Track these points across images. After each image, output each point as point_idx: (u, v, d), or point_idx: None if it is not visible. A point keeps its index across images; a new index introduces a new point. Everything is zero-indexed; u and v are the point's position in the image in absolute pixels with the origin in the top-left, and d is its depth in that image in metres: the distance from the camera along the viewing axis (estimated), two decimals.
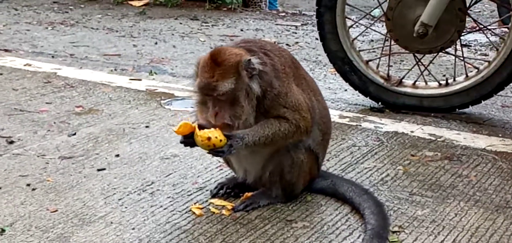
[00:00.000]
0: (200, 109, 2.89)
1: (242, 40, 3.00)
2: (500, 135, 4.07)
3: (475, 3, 4.42)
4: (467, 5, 4.22)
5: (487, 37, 5.17)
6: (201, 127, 2.80)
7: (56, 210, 2.93)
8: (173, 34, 6.79)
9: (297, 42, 6.61)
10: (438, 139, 3.94)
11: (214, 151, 2.76)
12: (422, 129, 4.10)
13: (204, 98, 2.84)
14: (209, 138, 2.73)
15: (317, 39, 6.10)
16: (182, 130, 2.81)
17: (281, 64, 2.94)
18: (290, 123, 2.86)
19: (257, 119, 2.86)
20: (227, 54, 2.81)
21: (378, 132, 4.04)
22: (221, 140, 2.74)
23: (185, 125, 2.81)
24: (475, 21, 4.54)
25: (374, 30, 5.10)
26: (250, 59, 2.78)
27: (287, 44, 6.50)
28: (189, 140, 2.82)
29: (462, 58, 4.40)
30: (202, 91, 2.81)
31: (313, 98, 3.01)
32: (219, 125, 2.79)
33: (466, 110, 4.42)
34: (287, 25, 7.45)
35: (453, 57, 4.58)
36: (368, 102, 4.54)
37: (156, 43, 6.36)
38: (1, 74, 5.02)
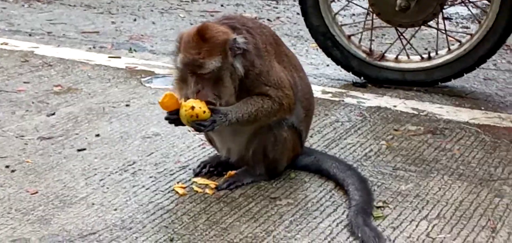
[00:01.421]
0: (179, 87, 2.84)
1: (224, 16, 2.95)
2: (482, 108, 4.07)
3: None
4: None
5: (469, 10, 5.15)
6: (186, 99, 2.73)
7: (36, 192, 2.88)
8: (152, 10, 6.69)
9: (278, 17, 6.55)
10: (421, 113, 3.93)
11: (196, 123, 2.69)
12: (405, 104, 4.09)
13: (186, 75, 2.78)
14: (193, 107, 2.67)
15: (298, 14, 6.03)
16: (167, 101, 2.74)
17: (263, 42, 2.89)
18: (273, 100, 2.82)
19: (239, 98, 2.82)
20: (214, 31, 2.75)
21: (361, 107, 4.02)
22: (204, 112, 2.68)
23: (170, 96, 2.74)
24: None
25: (356, 4, 5.05)
26: (236, 38, 2.73)
27: (268, 20, 6.43)
28: (173, 116, 2.76)
29: (444, 32, 4.38)
30: (187, 68, 2.75)
31: (295, 75, 2.98)
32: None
33: (448, 83, 4.41)
34: (268, 0, 7.37)
35: (435, 31, 4.56)
36: (350, 77, 4.51)
37: (135, 20, 6.26)
38: None
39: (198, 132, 2.82)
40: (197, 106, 2.68)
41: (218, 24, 2.83)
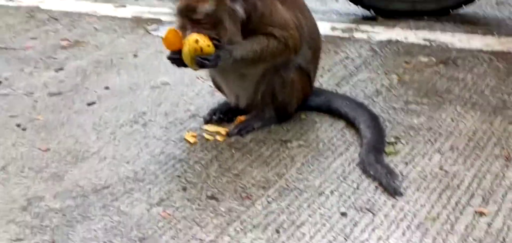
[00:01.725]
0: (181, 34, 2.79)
1: None
2: (495, 33, 4.00)
3: None
4: None
5: None
6: None
7: (48, 149, 2.89)
8: None
9: None
10: (432, 43, 3.87)
11: (200, 58, 2.64)
12: (416, 34, 4.03)
13: (184, 22, 2.74)
14: (197, 41, 2.63)
15: None
16: (171, 37, 2.69)
17: None
18: (278, 40, 2.78)
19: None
20: None
21: (371, 41, 3.96)
22: (209, 46, 2.64)
23: (174, 33, 2.69)
24: None
25: None
26: None
27: None
28: (176, 56, 2.73)
29: None
30: (181, 13, 2.72)
31: (300, 15, 2.92)
32: None
33: (460, 10, 4.33)
34: None
35: None
36: (360, 11, 4.44)
37: None
38: None
39: (201, 68, 2.73)
40: (201, 39, 2.64)
41: None
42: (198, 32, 2.66)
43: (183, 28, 2.75)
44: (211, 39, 2.66)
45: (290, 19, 2.84)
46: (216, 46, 2.66)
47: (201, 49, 2.63)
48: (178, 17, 2.75)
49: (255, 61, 2.78)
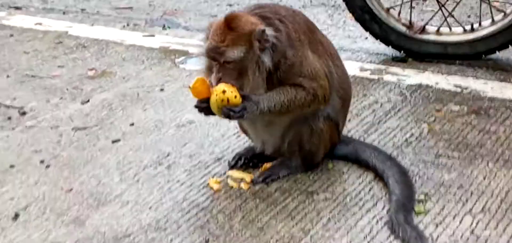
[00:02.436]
0: (206, 75, 2.76)
1: (256, 5, 2.84)
2: None
3: None
4: None
5: None
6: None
7: (71, 190, 2.86)
8: None
9: None
10: (464, 90, 3.78)
11: (227, 108, 2.61)
12: (447, 80, 3.94)
13: (211, 64, 2.70)
14: (224, 91, 2.59)
15: None
16: (198, 86, 2.66)
17: (296, 31, 2.78)
18: (307, 91, 2.73)
19: (270, 90, 2.73)
20: (242, 21, 2.66)
21: (401, 85, 3.88)
22: (236, 97, 2.60)
23: (202, 81, 2.66)
24: None
25: None
26: (264, 30, 2.63)
27: None
28: (203, 104, 2.69)
29: (487, 2, 4.18)
30: (209, 55, 2.68)
31: (331, 64, 2.86)
32: None
33: (493, 56, 4.23)
34: None
35: (478, 0, 4.36)
36: (390, 51, 4.36)
37: None
38: (12, 35, 4.91)
39: (228, 119, 2.71)
40: (228, 90, 2.60)
41: (249, 14, 2.74)
42: (225, 81, 2.62)
43: (209, 70, 2.71)
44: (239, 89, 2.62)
45: (320, 69, 2.78)
46: (243, 96, 2.62)
47: (228, 100, 2.59)
48: (206, 57, 2.72)
49: (283, 112, 2.73)
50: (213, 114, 2.69)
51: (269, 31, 2.64)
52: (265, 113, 2.71)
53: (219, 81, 2.62)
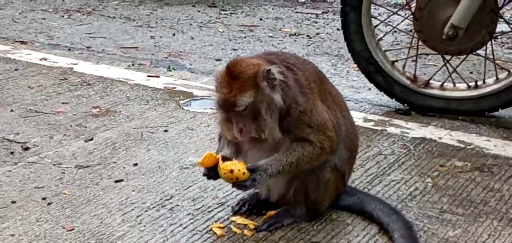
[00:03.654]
0: (225, 126, 2.74)
1: (264, 52, 2.86)
2: None
3: (508, 3, 4.23)
4: (499, 5, 4.03)
5: None
6: (224, 159, 2.68)
7: (72, 229, 2.83)
8: (191, 24, 6.65)
9: (318, 33, 6.44)
10: (468, 147, 3.78)
11: (237, 184, 2.67)
12: (451, 135, 3.95)
13: (227, 115, 2.71)
14: (231, 171, 2.64)
15: (338, 29, 5.93)
16: (206, 161, 2.72)
17: (306, 79, 2.80)
18: (313, 145, 2.73)
19: (281, 136, 2.73)
20: (243, 66, 2.67)
21: (404, 138, 3.89)
22: (244, 173, 2.65)
23: (209, 156, 2.72)
24: (507, 22, 4.35)
25: (401, 30, 4.92)
26: (269, 69, 2.64)
27: (307, 36, 6.34)
28: (212, 172, 2.74)
29: (492, 60, 4.22)
30: (222, 108, 2.69)
31: (339, 115, 2.87)
32: (246, 140, 2.72)
33: (495, 113, 4.25)
34: (307, 13, 7.28)
35: (482, 58, 4.40)
36: (393, 103, 4.39)
37: (174, 34, 6.22)
38: (17, 69, 4.92)
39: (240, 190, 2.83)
40: (235, 169, 2.65)
41: (253, 58, 2.75)
42: (239, 130, 2.65)
43: (228, 121, 2.71)
44: (250, 142, 2.65)
45: (328, 120, 2.79)
46: (250, 170, 2.67)
47: (237, 178, 2.65)
48: (220, 111, 2.72)
49: (292, 171, 2.75)
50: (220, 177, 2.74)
51: (274, 69, 2.65)
52: (275, 177, 2.73)
53: (241, 131, 2.65)
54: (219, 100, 2.67)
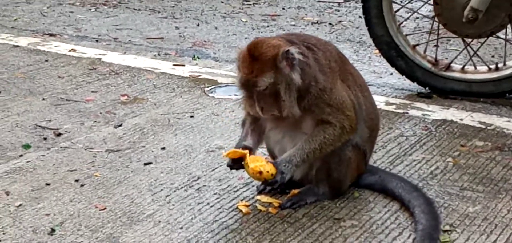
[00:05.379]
0: (247, 103, 2.86)
1: (286, 33, 2.96)
2: None
3: None
4: None
5: None
6: (249, 151, 2.84)
7: (104, 208, 2.95)
8: (214, 14, 6.75)
9: (340, 21, 6.50)
10: (488, 127, 3.84)
11: (268, 185, 2.84)
12: (472, 117, 4.00)
13: (249, 93, 2.81)
14: (260, 172, 2.77)
15: (360, 17, 5.99)
16: (231, 156, 2.85)
17: (326, 58, 2.88)
18: (334, 126, 2.82)
19: (302, 114, 2.82)
20: (264, 47, 2.76)
21: (426, 120, 3.95)
22: (268, 172, 2.78)
23: (234, 153, 2.84)
24: None
25: (422, 14, 4.97)
26: (288, 50, 2.73)
27: (330, 23, 6.40)
28: (236, 165, 2.86)
29: None
30: (243, 87, 2.80)
31: (360, 95, 2.95)
32: (267, 116, 2.83)
33: None
34: (330, 2, 7.34)
35: (503, 41, 4.44)
36: (415, 87, 4.45)
37: (198, 25, 6.33)
38: (47, 60, 5.07)
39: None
40: (264, 170, 2.78)
41: (273, 39, 2.84)
42: (261, 108, 2.76)
43: (250, 98, 2.81)
44: (271, 120, 2.77)
45: (348, 99, 2.87)
46: (275, 166, 2.80)
47: (265, 179, 2.79)
48: (242, 89, 2.82)
49: (317, 156, 2.85)
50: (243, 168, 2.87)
51: (293, 49, 2.73)
52: (301, 165, 2.85)
53: (262, 110, 2.76)
54: (241, 80, 2.77)
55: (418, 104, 4.21)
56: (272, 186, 2.87)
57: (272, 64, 2.73)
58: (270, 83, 2.73)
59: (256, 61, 2.74)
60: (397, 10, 4.43)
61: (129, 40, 5.75)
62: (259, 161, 2.80)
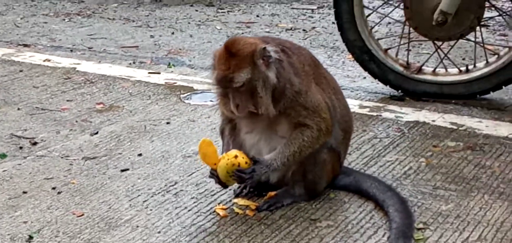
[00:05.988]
0: (222, 102, 2.90)
1: (261, 36, 3.00)
2: None
3: None
4: None
5: (506, 21, 5.11)
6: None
7: (82, 215, 2.96)
8: (189, 23, 6.78)
9: (314, 27, 6.57)
10: (460, 128, 3.92)
11: (238, 170, 2.80)
12: (443, 118, 4.09)
13: (224, 91, 2.84)
14: (236, 156, 2.79)
15: (333, 23, 6.05)
16: (204, 147, 2.86)
17: (300, 62, 2.93)
18: (311, 129, 2.86)
19: (277, 117, 2.87)
20: (241, 44, 2.81)
21: (399, 122, 4.02)
22: (246, 163, 2.80)
23: (207, 143, 2.86)
24: (494, 7, 4.48)
25: (393, 19, 5.06)
26: (265, 47, 2.77)
27: (304, 30, 6.47)
28: (216, 172, 2.89)
29: (482, 45, 4.35)
30: (220, 84, 2.83)
31: (334, 98, 3.01)
32: (243, 115, 2.84)
33: (487, 96, 4.39)
34: (303, 9, 7.41)
35: (473, 43, 4.53)
36: (388, 90, 4.52)
37: (173, 33, 6.35)
38: (21, 70, 5.05)
39: (238, 182, 2.91)
40: (240, 155, 2.81)
41: (250, 37, 2.89)
42: (236, 105, 2.78)
43: (225, 96, 2.85)
44: (247, 118, 2.79)
45: (322, 101, 2.92)
46: (253, 161, 2.82)
47: (239, 164, 2.79)
48: (217, 87, 2.85)
49: (296, 160, 2.89)
50: (225, 186, 2.92)
51: (270, 47, 2.78)
52: (280, 169, 2.90)
53: (238, 107, 2.78)
54: (217, 77, 2.80)
55: (391, 107, 4.28)
56: (240, 181, 2.85)
57: (250, 60, 2.77)
58: (247, 79, 2.76)
59: (233, 57, 2.78)
60: (369, 15, 4.50)
61: (104, 49, 5.75)
62: (238, 151, 2.83)
